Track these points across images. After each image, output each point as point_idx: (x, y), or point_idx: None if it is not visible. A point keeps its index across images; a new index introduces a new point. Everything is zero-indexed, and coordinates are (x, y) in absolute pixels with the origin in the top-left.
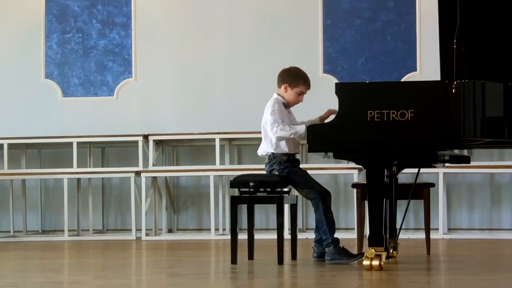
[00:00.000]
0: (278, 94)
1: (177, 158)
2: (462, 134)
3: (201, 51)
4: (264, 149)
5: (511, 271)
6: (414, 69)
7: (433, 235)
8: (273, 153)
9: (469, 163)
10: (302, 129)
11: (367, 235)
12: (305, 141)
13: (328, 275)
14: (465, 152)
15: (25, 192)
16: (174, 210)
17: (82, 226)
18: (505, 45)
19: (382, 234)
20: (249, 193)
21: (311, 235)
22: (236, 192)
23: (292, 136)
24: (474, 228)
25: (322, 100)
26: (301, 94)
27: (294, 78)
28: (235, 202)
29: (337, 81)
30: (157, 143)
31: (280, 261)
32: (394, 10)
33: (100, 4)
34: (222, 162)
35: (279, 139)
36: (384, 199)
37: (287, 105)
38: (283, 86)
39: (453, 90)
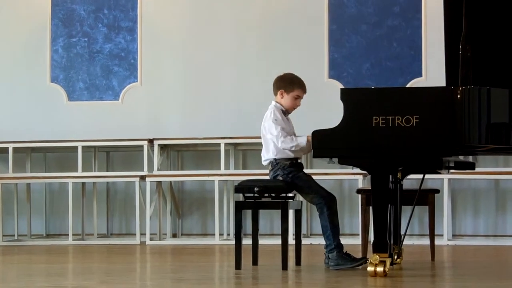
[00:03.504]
0: (276, 102)
1: (182, 162)
2: (467, 140)
3: (207, 56)
4: (266, 156)
5: None
6: (420, 75)
7: (437, 241)
8: (275, 159)
9: (474, 169)
10: (303, 141)
11: (372, 241)
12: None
13: (333, 281)
14: (470, 159)
15: (30, 196)
16: (179, 215)
17: (87, 230)
18: (510, 51)
19: (387, 240)
20: (253, 198)
21: (316, 241)
22: (240, 197)
23: (293, 149)
24: (479, 234)
25: (327, 106)
26: (297, 98)
27: (288, 83)
28: (239, 207)
29: (342, 87)
30: (162, 147)
31: (285, 266)
32: (400, 15)
33: (106, 8)
34: (227, 167)
35: (284, 149)
36: (389, 205)
37: (285, 112)
38: (279, 93)
39: (459, 96)
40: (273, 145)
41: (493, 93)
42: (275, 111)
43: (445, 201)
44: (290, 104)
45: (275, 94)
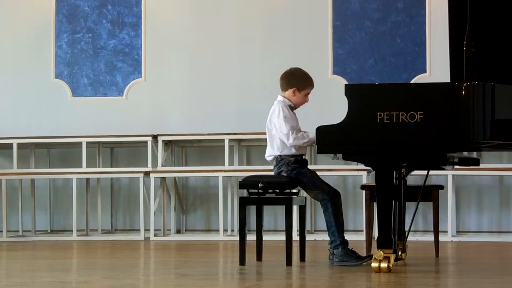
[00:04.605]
0: (284, 97)
1: (186, 158)
2: (471, 136)
3: (211, 52)
4: (271, 152)
5: None
6: (424, 71)
7: (441, 238)
8: (280, 155)
9: (478, 165)
10: (314, 136)
11: (376, 237)
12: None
13: (337, 277)
14: (474, 155)
15: (34, 192)
16: (183, 211)
17: (91, 226)
18: None
19: (391, 236)
20: (257, 194)
21: (320, 237)
22: (244, 193)
23: (305, 145)
24: (483, 230)
25: (331, 102)
26: (307, 95)
27: (301, 81)
28: (243, 203)
29: (346, 83)
30: (166, 143)
31: (289, 262)
32: (404, 11)
33: (110, 4)
34: (231, 163)
35: (293, 146)
36: (393, 201)
37: (293, 108)
38: (291, 90)
39: (463, 92)
40: (278, 141)
41: (497, 89)
42: (283, 107)
43: (449, 197)
44: (301, 101)
45: (284, 90)
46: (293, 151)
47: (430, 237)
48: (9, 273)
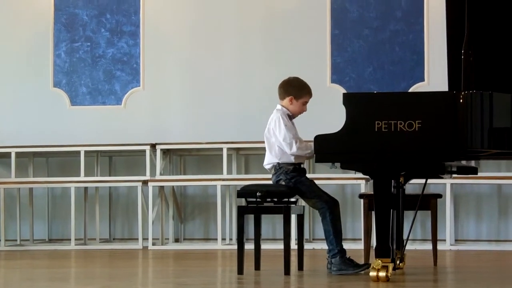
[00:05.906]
0: (282, 106)
1: (184, 167)
2: (469, 145)
3: (209, 61)
4: (269, 160)
5: None
6: (422, 79)
7: (440, 246)
8: (278, 163)
9: (476, 174)
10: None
11: (374, 246)
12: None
13: (335, 286)
14: (472, 163)
15: (32, 201)
16: (181, 220)
17: (89, 235)
18: None
19: (389, 245)
20: (256, 203)
21: (318, 246)
22: (243, 202)
23: (307, 155)
24: (481, 239)
25: (329, 110)
26: (305, 104)
27: (298, 89)
28: (242, 212)
29: (344, 91)
30: (165, 152)
31: (287, 271)
32: (402, 20)
33: (109, 13)
34: (229, 171)
35: (295, 155)
36: (391, 210)
37: (291, 117)
38: (287, 99)
39: (461, 101)
40: (277, 149)
41: (495, 98)
42: (283, 116)
43: (447, 206)
44: (299, 110)
45: (282, 98)
46: (291, 159)
47: (429, 246)
48: (7, 283)
